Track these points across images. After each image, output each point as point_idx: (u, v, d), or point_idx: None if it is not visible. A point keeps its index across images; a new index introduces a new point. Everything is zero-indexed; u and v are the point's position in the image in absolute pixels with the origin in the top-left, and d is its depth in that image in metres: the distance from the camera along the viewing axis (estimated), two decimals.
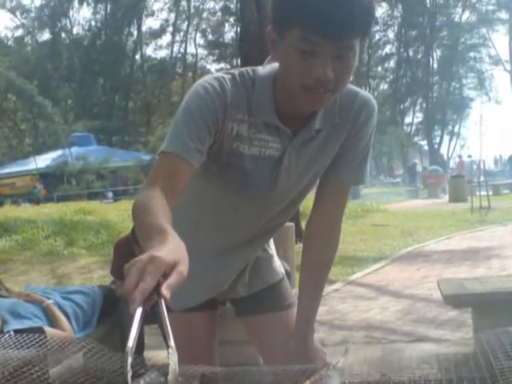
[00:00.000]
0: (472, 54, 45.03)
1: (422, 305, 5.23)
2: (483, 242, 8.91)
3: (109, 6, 44.89)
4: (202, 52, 47.36)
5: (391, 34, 46.75)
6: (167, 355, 0.87)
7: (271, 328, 1.65)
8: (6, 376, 1.14)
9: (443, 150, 44.85)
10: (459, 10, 43.69)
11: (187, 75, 45.50)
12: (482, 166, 16.79)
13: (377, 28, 42.13)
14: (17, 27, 46.38)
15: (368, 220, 12.72)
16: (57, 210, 14.74)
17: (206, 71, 41.77)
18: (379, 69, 48.64)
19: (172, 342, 0.87)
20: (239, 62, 12.77)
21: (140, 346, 3.08)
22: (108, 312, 3.37)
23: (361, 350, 3.94)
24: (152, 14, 46.14)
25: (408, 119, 47.69)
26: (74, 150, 31.15)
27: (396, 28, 45.98)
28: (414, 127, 47.47)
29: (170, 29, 46.46)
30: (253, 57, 8.25)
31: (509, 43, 43.79)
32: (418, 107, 47.24)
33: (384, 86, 50.44)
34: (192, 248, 1.04)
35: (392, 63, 47.89)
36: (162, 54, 58.39)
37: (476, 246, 8.43)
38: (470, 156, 28.85)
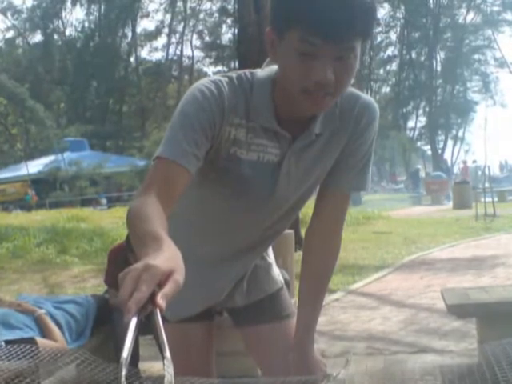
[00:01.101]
0: (476, 56, 44.29)
1: (425, 315, 5.16)
2: (488, 250, 8.81)
3: (102, 7, 44.10)
4: (198, 54, 47.04)
5: (393, 36, 46.05)
6: (163, 367, 0.85)
7: (270, 339, 1.62)
8: None
9: (447, 156, 44.45)
10: (463, 10, 43.06)
11: (183, 78, 45.25)
12: (486, 172, 16.75)
13: (379, 29, 41.49)
14: (8, 29, 45.76)
15: (370, 227, 12.67)
16: (49, 216, 14.68)
17: (202, 74, 41.68)
18: (381, 71, 47.93)
19: (168, 353, 0.86)
20: (237, 64, 12.79)
21: (135, 357, 3.05)
22: (102, 322, 3.34)
23: (362, 362, 3.85)
24: (147, 15, 45.59)
25: (411, 123, 47.02)
26: (67, 155, 30.75)
27: (398, 29, 45.20)
28: (416, 132, 46.61)
29: (166, 30, 45.98)
30: (251, 59, 8.15)
31: None
32: (421, 111, 46.52)
33: (386, 90, 49.82)
34: (188, 256, 1.02)
35: (394, 66, 47.23)
36: (158, 56, 58.53)
37: (481, 255, 8.34)
38: (474, 161, 28.88)
